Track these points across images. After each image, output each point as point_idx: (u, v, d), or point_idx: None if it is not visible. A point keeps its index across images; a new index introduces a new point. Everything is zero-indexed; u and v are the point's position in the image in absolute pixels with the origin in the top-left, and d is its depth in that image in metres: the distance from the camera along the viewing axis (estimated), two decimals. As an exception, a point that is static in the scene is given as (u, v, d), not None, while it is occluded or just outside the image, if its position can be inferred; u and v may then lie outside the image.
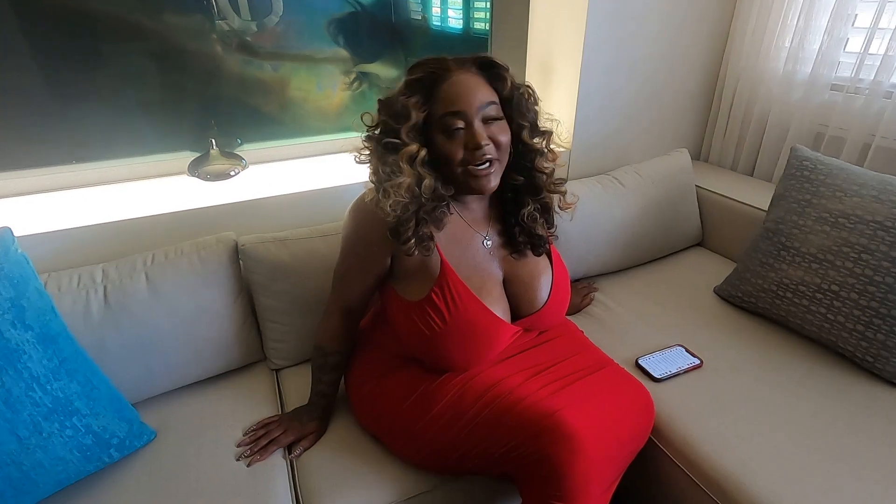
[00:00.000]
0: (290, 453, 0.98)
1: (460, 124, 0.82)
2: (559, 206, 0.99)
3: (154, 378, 1.06)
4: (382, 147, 0.84)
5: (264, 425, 1.01)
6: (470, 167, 0.83)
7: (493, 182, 0.86)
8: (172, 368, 1.07)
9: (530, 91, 0.91)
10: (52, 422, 0.80)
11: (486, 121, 0.84)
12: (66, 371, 0.82)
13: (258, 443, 0.97)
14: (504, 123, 0.86)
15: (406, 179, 0.81)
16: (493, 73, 0.86)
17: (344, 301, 0.99)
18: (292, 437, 0.98)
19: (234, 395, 1.11)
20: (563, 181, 0.98)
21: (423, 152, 0.82)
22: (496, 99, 0.85)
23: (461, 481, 0.96)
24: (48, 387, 0.79)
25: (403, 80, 0.85)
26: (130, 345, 1.01)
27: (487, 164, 0.84)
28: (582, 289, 1.39)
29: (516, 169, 0.92)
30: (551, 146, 0.94)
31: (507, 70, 0.87)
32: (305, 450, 0.98)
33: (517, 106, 0.87)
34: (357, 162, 0.90)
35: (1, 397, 0.74)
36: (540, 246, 0.97)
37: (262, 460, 0.94)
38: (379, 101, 0.87)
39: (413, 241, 0.84)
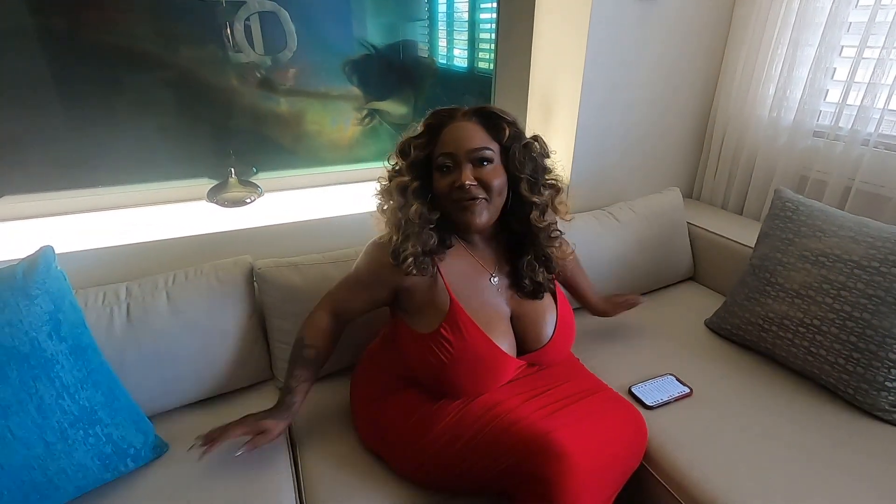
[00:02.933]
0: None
1: (450, 164, 0.93)
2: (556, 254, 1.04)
3: (169, 392, 1.11)
4: (388, 179, 0.98)
5: (226, 425, 0.97)
6: (456, 201, 0.92)
7: (479, 219, 0.93)
8: (186, 384, 1.12)
9: (537, 145, 0.97)
10: (78, 429, 0.85)
11: (479, 164, 0.92)
12: (92, 382, 0.88)
13: (210, 435, 0.94)
14: (497, 168, 0.94)
15: (393, 204, 0.94)
16: (492, 122, 0.94)
17: (335, 305, 1.05)
18: (241, 431, 0.95)
19: (243, 412, 1.12)
20: (560, 234, 1.03)
21: (414, 184, 0.94)
22: (492, 146, 0.93)
23: (459, 499, 0.99)
24: (76, 396, 0.85)
25: (421, 122, 0.97)
26: (149, 360, 1.06)
27: (472, 199, 0.91)
28: (618, 299, 1.35)
29: (515, 217, 0.99)
30: (559, 203, 1.00)
31: (510, 122, 0.94)
32: (254, 446, 0.94)
33: (513, 158, 0.94)
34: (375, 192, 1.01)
35: (34, 403, 0.80)
36: (540, 292, 1.04)
37: (210, 451, 0.92)
38: (398, 142, 0.99)
39: (410, 259, 0.92)
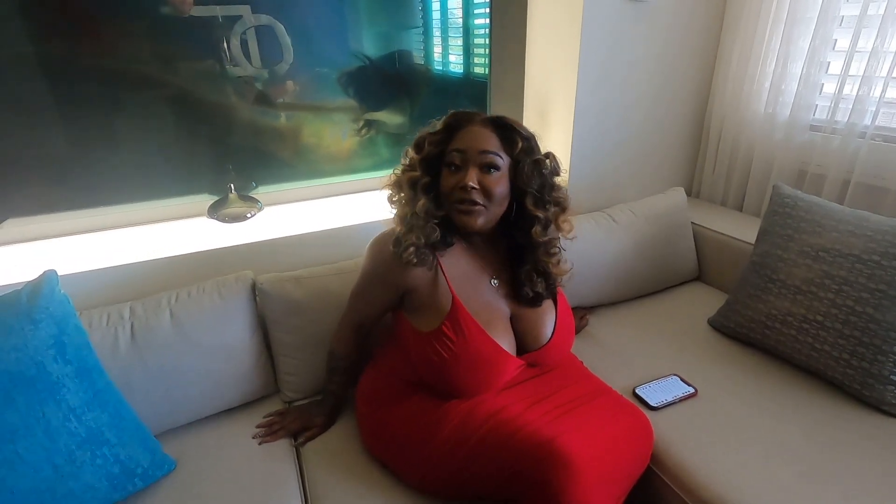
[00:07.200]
0: (295, 440, 1.13)
1: (458, 161, 0.94)
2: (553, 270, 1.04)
3: (175, 410, 1.11)
4: (400, 173, 1.01)
5: (278, 413, 1.18)
6: (455, 202, 0.94)
7: (476, 223, 0.94)
8: (192, 401, 1.13)
9: (548, 163, 0.99)
10: (85, 451, 0.85)
11: (486, 169, 0.93)
12: (98, 403, 0.89)
13: (271, 427, 1.14)
14: (503, 177, 0.95)
15: (403, 196, 0.97)
16: (506, 133, 0.96)
17: (354, 318, 1.11)
18: (299, 425, 1.14)
19: (249, 427, 1.15)
20: (559, 252, 1.04)
21: (424, 179, 0.96)
22: (502, 155, 0.95)
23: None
24: (83, 417, 0.85)
25: (442, 119, 0.99)
26: (154, 378, 1.07)
27: (471, 203, 0.93)
28: (577, 310, 1.44)
29: (518, 230, 1.01)
30: (563, 221, 1.01)
31: (525, 137, 0.96)
32: (309, 440, 1.12)
33: (521, 172, 0.95)
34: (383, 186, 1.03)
35: (41, 427, 0.80)
36: (539, 301, 1.05)
37: (272, 441, 1.11)
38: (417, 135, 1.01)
39: (412, 249, 0.93)
